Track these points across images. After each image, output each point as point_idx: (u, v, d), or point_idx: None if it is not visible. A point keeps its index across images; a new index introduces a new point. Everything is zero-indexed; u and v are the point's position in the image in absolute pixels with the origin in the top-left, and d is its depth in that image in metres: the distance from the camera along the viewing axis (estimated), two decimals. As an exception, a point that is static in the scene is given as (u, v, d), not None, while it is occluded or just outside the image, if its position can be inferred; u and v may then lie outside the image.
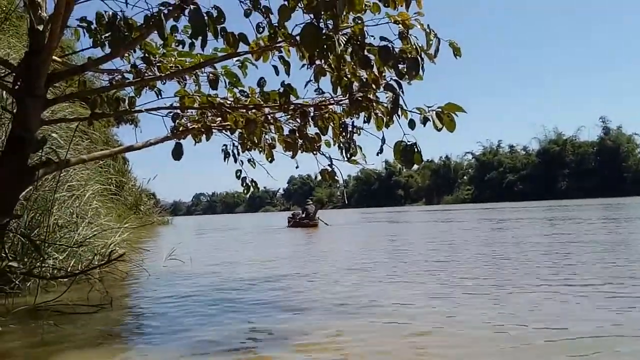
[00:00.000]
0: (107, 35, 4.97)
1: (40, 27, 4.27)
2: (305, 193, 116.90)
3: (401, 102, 3.98)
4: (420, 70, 3.96)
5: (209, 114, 5.51)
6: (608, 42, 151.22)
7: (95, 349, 3.31)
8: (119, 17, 4.18)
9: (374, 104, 4.56)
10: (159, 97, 5.51)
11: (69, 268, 5.62)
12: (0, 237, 4.23)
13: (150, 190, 32.08)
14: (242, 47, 4.64)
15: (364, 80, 4.56)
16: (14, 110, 4.32)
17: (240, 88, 5.28)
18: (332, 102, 5.00)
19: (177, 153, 5.04)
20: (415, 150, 3.99)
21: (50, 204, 5.84)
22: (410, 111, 3.99)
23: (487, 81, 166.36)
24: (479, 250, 8.70)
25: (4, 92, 5.97)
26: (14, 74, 4.50)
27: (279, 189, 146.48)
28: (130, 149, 5.11)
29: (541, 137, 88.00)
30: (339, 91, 4.65)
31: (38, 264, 5.09)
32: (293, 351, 3.07)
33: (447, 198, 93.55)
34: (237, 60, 5.07)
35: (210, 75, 5.21)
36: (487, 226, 16.23)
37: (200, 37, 3.79)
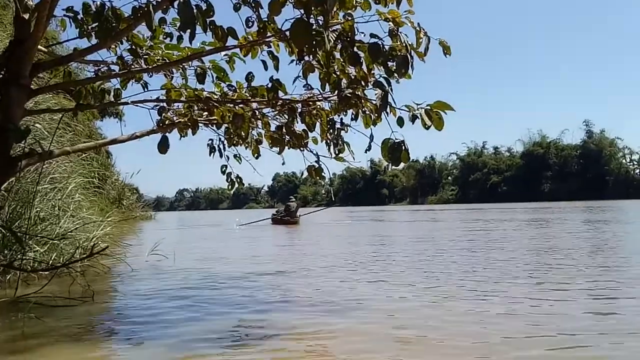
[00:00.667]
0: (94, 25, 4.92)
1: (26, 16, 4.19)
2: (289, 190, 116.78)
3: (390, 99, 3.97)
4: (410, 68, 3.96)
5: (196, 108, 5.46)
6: (594, 43, 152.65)
7: (77, 342, 3.27)
8: (107, 7, 4.11)
9: (363, 101, 4.55)
10: (145, 90, 5.44)
11: (50, 261, 5.54)
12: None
13: (133, 185, 31.82)
14: (230, 42, 4.60)
15: (353, 77, 4.56)
16: (-3, 100, 4.24)
17: (227, 83, 5.24)
18: (321, 98, 4.97)
19: (163, 146, 4.98)
20: (403, 148, 3.99)
21: (32, 195, 5.75)
22: (399, 109, 3.98)
23: (471, 82, 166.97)
24: (463, 248, 8.74)
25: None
26: (-3, 63, 4.42)
27: (264, 185, 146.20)
28: (115, 141, 5.04)
29: (525, 139, 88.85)
30: (327, 88, 4.64)
31: (19, 256, 5.01)
32: (279, 347, 3.05)
33: (432, 198, 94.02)
34: (225, 55, 5.03)
35: (198, 69, 5.16)
36: (471, 226, 16.32)
37: (189, 30, 3.73)
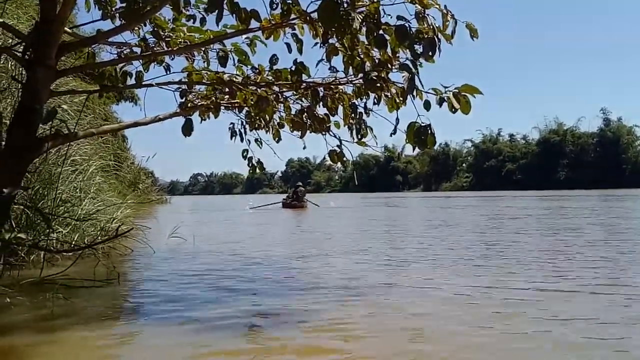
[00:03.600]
0: (117, 7, 4.91)
1: (52, -4, 4.19)
2: (303, 176, 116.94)
3: (417, 82, 3.92)
4: (438, 51, 3.91)
5: (218, 91, 5.44)
6: (611, 31, 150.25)
7: (106, 322, 3.30)
8: (134, -13, 4.09)
9: (387, 84, 4.50)
10: (168, 72, 5.44)
11: (73, 242, 5.59)
12: (8, 209, 4.19)
13: (148, 169, 32.03)
14: (252, 25, 4.56)
15: (377, 60, 4.51)
16: (23, 81, 4.26)
17: (249, 66, 5.21)
18: (345, 81, 4.92)
19: (188, 129, 4.99)
20: (429, 132, 3.95)
21: (54, 177, 5.79)
22: (426, 92, 3.93)
23: (485, 67, 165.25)
24: (480, 234, 8.70)
25: (12, 61, 5.90)
26: (23, 44, 4.43)
27: (277, 171, 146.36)
28: (138, 124, 5.04)
29: (541, 126, 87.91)
30: (351, 71, 4.59)
31: (43, 237, 5.05)
32: (298, 332, 3.04)
33: (446, 185, 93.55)
34: (246, 38, 5.00)
35: (220, 51, 5.14)
36: (486, 212, 16.24)
37: (216, 11, 3.71)
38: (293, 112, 5.57)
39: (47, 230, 4.98)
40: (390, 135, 4.34)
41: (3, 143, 4.31)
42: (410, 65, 3.99)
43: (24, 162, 4.17)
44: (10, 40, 5.33)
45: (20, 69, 4.82)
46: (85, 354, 2.74)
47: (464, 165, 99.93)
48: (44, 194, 5.79)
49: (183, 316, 3.38)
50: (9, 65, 5.99)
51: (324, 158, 5.30)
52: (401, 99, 4.38)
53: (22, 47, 4.52)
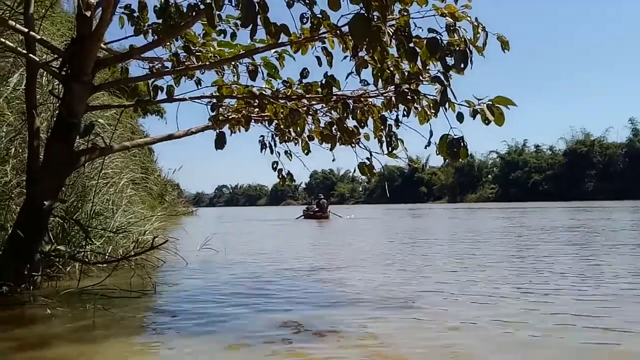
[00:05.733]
0: (150, 23, 5.02)
1: (88, 14, 4.31)
2: (327, 187, 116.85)
3: (449, 94, 3.92)
4: (470, 63, 3.91)
5: (248, 105, 5.50)
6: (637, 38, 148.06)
7: (146, 333, 3.36)
8: (171, 2, 4.18)
9: (419, 96, 4.51)
10: (199, 87, 5.53)
11: (107, 254, 5.68)
12: (46, 221, 4.28)
13: (174, 181, 32.35)
14: (282, 39, 4.61)
15: (406, 72, 4.53)
16: (60, 95, 4.36)
17: (279, 80, 5.27)
18: (377, 94, 4.94)
19: (220, 142, 5.06)
20: (462, 144, 3.95)
21: (92, 190, 5.91)
22: (459, 104, 3.93)
23: (510, 78, 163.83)
24: (509, 247, 8.60)
25: (47, 76, 6.05)
26: (60, 60, 4.55)
27: (301, 183, 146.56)
28: (172, 137, 5.13)
29: (568, 137, 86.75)
30: (380, 83, 4.62)
31: (79, 249, 5.14)
32: (330, 345, 3.04)
33: (471, 196, 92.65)
34: (274, 52, 5.06)
35: (250, 65, 5.20)
36: (523, 224, 16.05)
37: (250, 26, 3.76)
38: (322, 124, 5.61)
39: (84, 242, 5.07)
40: (425, 147, 4.35)
41: (41, 157, 4.42)
42: (442, 78, 4.01)
43: (62, 175, 4.27)
44: (45, 56, 5.48)
45: (57, 84, 4.94)
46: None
47: (489, 176, 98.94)
48: (77, 207, 5.90)
49: (219, 327, 3.40)
50: (43, 81, 6.13)
51: (354, 170, 5.32)
52: (433, 111, 4.38)
53: (58, 63, 4.65)
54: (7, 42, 4.48)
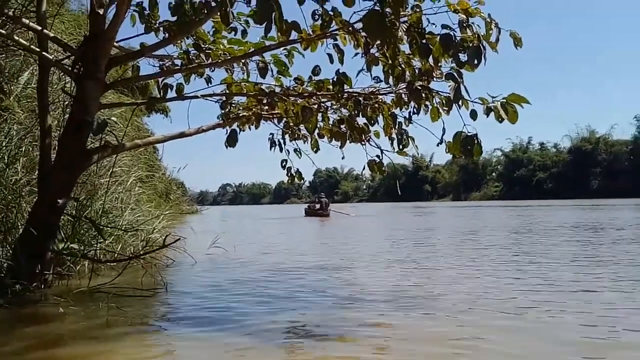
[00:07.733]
0: (160, 21, 5.01)
1: (101, 11, 4.29)
2: (330, 186, 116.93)
3: (463, 91, 3.90)
4: (483, 59, 3.88)
5: (258, 102, 5.49)
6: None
7: (161, 332, 3.34)
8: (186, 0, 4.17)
9: (432, 93, 4.48)
10: (209, 85, 5.51)
11: (116, 253, 5.68)
12: (58, 219, 4.28)
13: (179, 180, 32.35)
14: (293, 36, 4.58)
15: (417, 70, 4.50)
16: (73, 93, 4.35)
17: (289, 77, 5.25)
18: (388, 91, 4.92)
19: (232, 140, 5.05)
20: (476, 141, 3.93)
21: (102, 188, 5.91)
22: (473, 101, 3.91)
23: (515, 75, 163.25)
24: (521, 245, 8.57)
25: (58, 74, 6.04)
26: (72, 58, 4.54)
27: (305, 181, 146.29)
28: (183, 135, 5.12)
29: (573, 134, 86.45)
30: (391, 81, 4.59)
31: (89, 247, 5.13)
32: (342, 345, 3.02)
33: (475, 194, 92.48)
34: (283, 49, 5.03)
35: (260, 63, 5.19)
36: (530, 220, 16.00)
37: (264, 23, 3.74)
38: (331, 122, 5.59)
39: (96, 241, 5.06)
40: (437, 145, 4.30)
41: (53, 155, 4.42)
42: (455, 74, 3.99)
43: (75, 173, 4.27)
44: (56, 54, 5.47)
45: (70, 82, 4.93)
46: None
47: (493, 174, 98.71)
48: (87, 205, 5.90)
49: (231, 327, 3.38)
50: (54, 78, 6.13)
51: (363, 167, 5.30)
52: (445, 108, 4.35)
53: (70, 61, 4.64)
54: (21, 40, 4.47)
